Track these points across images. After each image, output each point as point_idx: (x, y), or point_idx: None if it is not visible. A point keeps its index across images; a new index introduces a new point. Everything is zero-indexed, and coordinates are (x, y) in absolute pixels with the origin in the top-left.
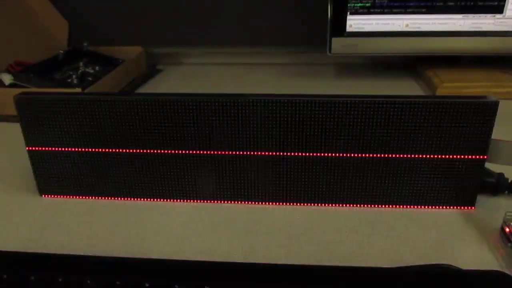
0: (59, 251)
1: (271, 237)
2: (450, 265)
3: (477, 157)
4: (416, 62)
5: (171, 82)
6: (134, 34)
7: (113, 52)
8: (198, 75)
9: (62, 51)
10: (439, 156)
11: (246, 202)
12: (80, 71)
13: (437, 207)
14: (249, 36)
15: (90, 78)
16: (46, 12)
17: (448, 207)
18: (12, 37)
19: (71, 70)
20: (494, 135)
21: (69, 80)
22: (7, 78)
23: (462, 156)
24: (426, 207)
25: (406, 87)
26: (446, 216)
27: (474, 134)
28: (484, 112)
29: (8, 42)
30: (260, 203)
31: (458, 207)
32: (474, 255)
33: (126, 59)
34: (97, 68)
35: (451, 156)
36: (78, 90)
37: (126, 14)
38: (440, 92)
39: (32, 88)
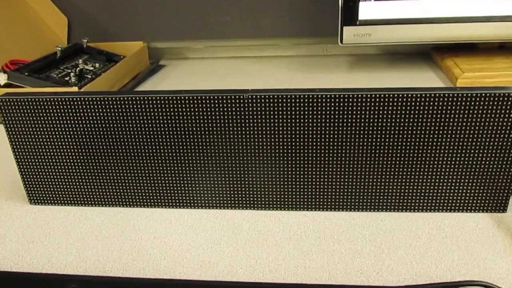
0: (46, 266)
1: (279, 249)
2: (484, 282)
3: (509, 155)
4: (433, 51)
5: (174, 78)
6: (137, 30)
7: (115, 48)
8: (203, 71)
9: (59, 48)
10: (466, 155)
11: (251, 209)
12: (78, 68)
13: (464, 212)
14: (255, 28)
15: (89, 76)
16: (45, 9)
17: (477, 212)
18: (8, 35)
19: (69, 68)
20: None
21: (67, 78)
22: (1, 78)
23: (492, 154)
24: (452, 212)
25: (424, 79)
26: (475, 222)
27: (506, 130)
28: None
29: (4, 41)
30: (267, 210)
31: (488, 212)
32: (508, 267)
33: (127, 55)
34: (97, 65)
35: (479, 155)
36: (75, 88)
37: (128, 9)
38: (460, 82)
39: (27, 88)
